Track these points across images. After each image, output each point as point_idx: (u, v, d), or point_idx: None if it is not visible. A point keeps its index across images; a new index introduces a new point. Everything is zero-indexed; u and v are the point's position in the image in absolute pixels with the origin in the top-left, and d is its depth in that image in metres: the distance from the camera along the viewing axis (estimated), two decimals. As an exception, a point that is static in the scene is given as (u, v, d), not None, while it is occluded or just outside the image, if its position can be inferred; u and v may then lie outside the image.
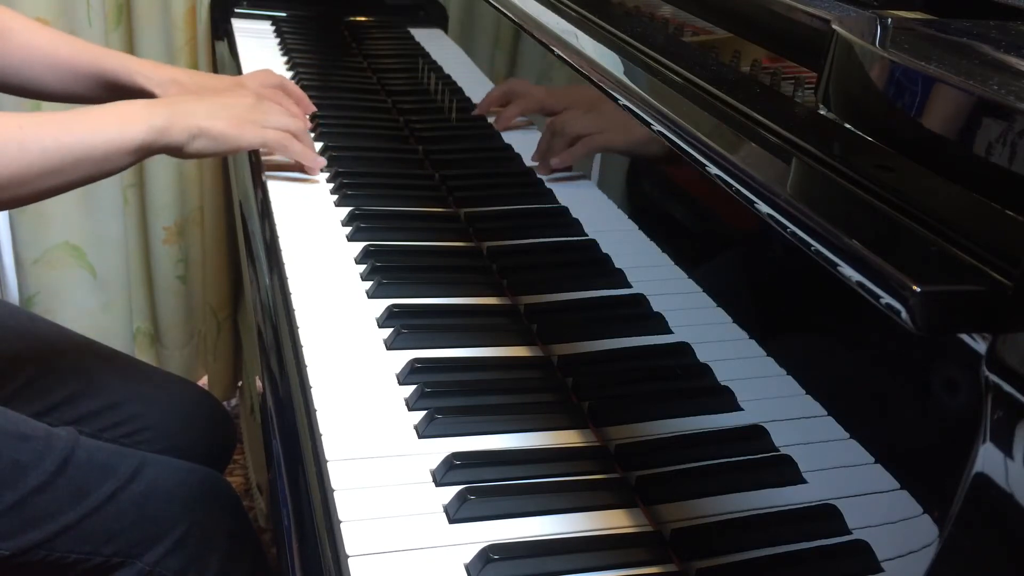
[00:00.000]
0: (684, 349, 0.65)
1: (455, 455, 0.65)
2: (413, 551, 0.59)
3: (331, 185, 1.05)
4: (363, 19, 1.62)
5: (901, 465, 0.46)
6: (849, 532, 0.49)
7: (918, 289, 0.39)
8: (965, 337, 0.41)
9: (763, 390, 0.57)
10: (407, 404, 0.72)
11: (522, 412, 0.72)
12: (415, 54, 1.36)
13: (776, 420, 0.56)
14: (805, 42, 0.63)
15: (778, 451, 0.55)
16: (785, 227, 0.49)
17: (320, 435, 0.67)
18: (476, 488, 0.63)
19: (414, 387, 0.73)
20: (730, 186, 0.54)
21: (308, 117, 1.16)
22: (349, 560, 0.57)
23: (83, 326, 1.46)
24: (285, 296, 0.85)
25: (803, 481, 0.54)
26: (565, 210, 0.84)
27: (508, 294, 0.88)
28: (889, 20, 0.57)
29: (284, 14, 1.62)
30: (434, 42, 1.34)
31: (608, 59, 0.76)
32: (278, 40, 1.51)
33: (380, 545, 0.59)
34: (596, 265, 0.78)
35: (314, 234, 0.95)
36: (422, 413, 0.70)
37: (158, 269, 1.76)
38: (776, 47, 0.69)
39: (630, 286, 0.73)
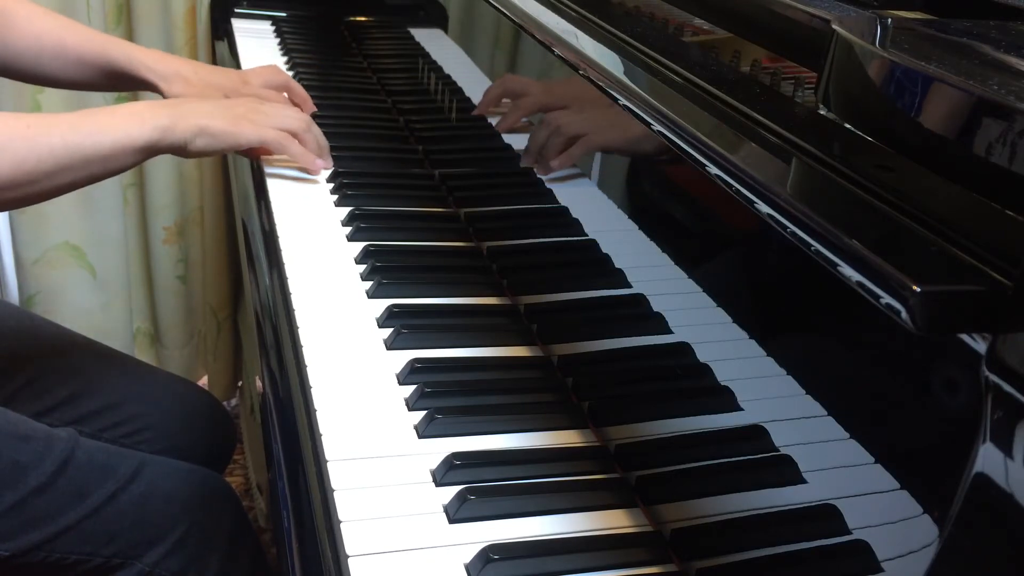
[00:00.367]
0: (684, 349, 0.65)
1: (455, 455, 0.65)
2: (413, 551, 0.59)
3: (331, 185, 1.05)
4: (363, 19, 1.62)
5: (901, 465, 0.46)
6: (849, 532, 0.49)
7: (918, 289, 0.39)
8: (965, 337, 0.41)
9: (763, 390, 0.57)
10: (407, 404, 0.72)
11: (522, 412, 0.72)
12: (415, 54, 1.36)
13: (776, 420, 0.56)
14: (805, 42, 0.63)
15: (778, 451, 0.55)
16: (785, 227, 0.49)
17: (320, 435, 0.67)
18: (476, 488, 0.63)
19: (414, 387, 0.73)
20: (730, 186, 0.54)
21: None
22: (349, 560, 0.57)
23: (83, 326, 1.46)
24: (285, 296, 0.85)
25: (803, 481, 0.54)
26: (565, 210, 0.84)
27: (508, 294, 0.88)
28: (889, 20, 0.57)
29: (284, 14, 1.62)
30: (434, 42, 1.34)
31: (608, 59, 0.76)
32: (278, 40, 1.51)
33: (380, 545, 0.59)
34: (596, 265, 0.78)
35: (314, 234, 0.95)
36: (422, 413, 0.70)
37: (158, 269, 1.76)
38: (776, 47, 0.69)
39: (630, 286, 0.73)
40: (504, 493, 0.63)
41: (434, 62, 1.27)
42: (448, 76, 1.20)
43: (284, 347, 0.80)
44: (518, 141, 0.95)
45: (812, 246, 0.46)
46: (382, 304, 0.83)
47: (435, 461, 0.66)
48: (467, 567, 0.58)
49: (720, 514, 0.60)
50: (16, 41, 1.06)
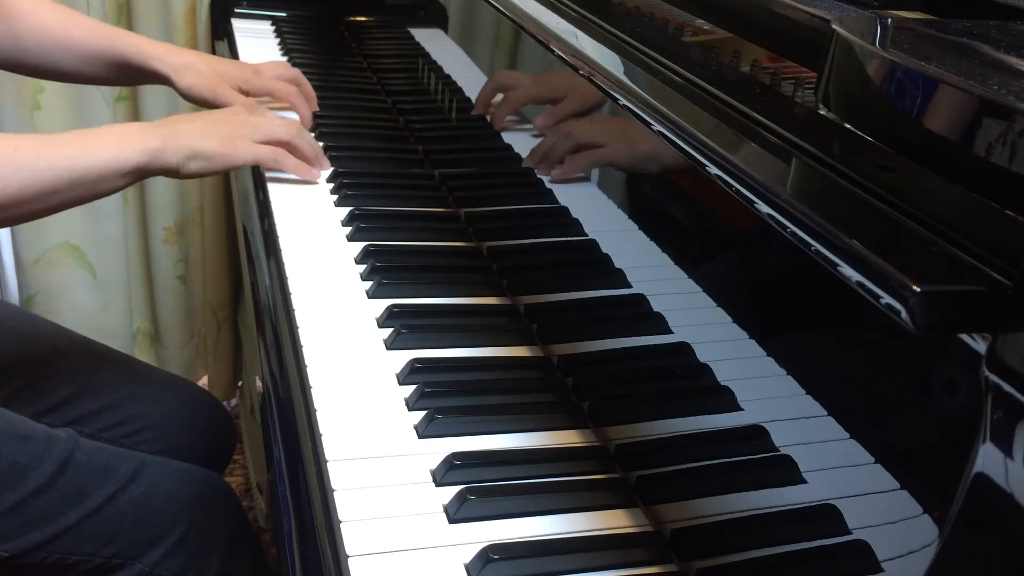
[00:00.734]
0: (684, 349, 0.65)
1: (455, 455, 0.65)
2: (413, 551, 0.59)
3: (331, 185, 1.05)
4: (363, 19, 1.62)
5: (901, 465, 0.46)
6: (849, 532, 0.49)
7: (918, 289, 0.39)
8: (965, 337, 0.41)
9: (763, 390, 0.57)
10: (407, 404, 0.72)
11: (522, 412, 0.72)
12: (415, 54, 1.36)
13: (776, 420, 0.56)
14: (805, 42, 0.63)
15: (778, 451, 0.55)
16: (785, 227, 0.49)
17: (320, 435, 0.67)
18: (476, 488, 0.63)
19: (414, 387, 0.73)
20: (730, 186, 0.54)
21: (311, 115, 1.17)
22: (349, 560, 0.57)
23: (83, 326, 1.46)
24: (285, 296, 0.85)
25: (803, 481, 0.54)
26: (565, 210, 0.84)
27: (508, 294, 0.88)
28: (889, 20, 0.57)
29: (284, 14, 1.62)
30: (434, 42, 1.34)
31: (608, 59, 0.76)
32: (278, 40, 1.51)
33: (380, 545, 0.59)
34: (596, 265, 0.78)
35: (314, 234, 0.95)
36: (422, 413, 0.70)
37: (158, 269, 1.76)
38: (776, 47, 0.69)
39: (630, 286, 0.73)
40: (504, 493, 0.63)
41: (434, 62, 1.27)
42: (448, 76, 1.20)
43: (284, 347, 0.80)
44: (518, 141, 0.95)
45: (812, 246, 0.46)
46: (382, 304, 0.83)
47: (435, 461, 0.66)
48: (467, 567, 0.58)
49: (720, 514, 0.60)
50: (23, 33, 1.06)
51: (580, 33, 0.82)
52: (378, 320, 0.82)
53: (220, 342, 1.83)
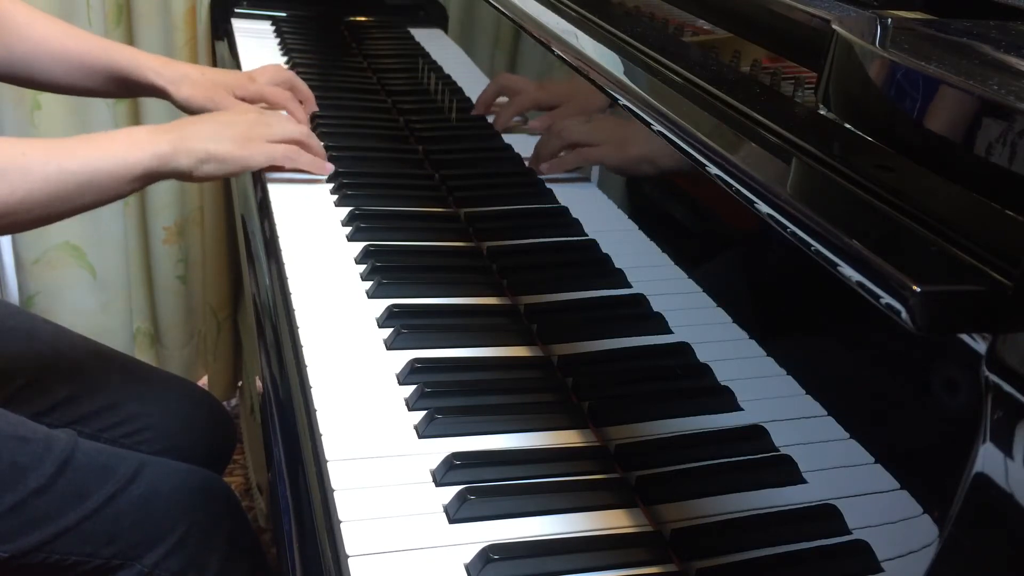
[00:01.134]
0: (684, 349, 0.65)
1: (455, 455, 0.65)
2: (413, 551, 0.59)
3: (331, 185, 1.05)
4: (363, 19, 1.62)
5: (901, 465, 0.46)
6: (849, 532, 0.49)
7: (918, 289, 0.39)
8: (965, 337, 0.41)
9: (763, 390, 0.57)
10: (407, 404, 0.72)
11: (522, 412, 0.72)
12: (415, 54, 1.36)
13: (776, 420, 0.56)
14: (805, 42, 0.63)
15: (778, 451, 0.55)
16: (785, 227, 0.49)
17: (320, 435, 0.67)
18: (476, 488, 0.63)
19: (414, 387, 0.73)
20: (730, 186, 0.54)
21: (308, 117, 1.17)
22: (349, 560, 0.57)
23: (83, 326, 1.46)
24: (285, 296, 0.85)
25: (803, 481, 0.54)
26: (565, 210, 0.84)
27: (508, 294, 0.88)
28: (889, 20, 0.57)
29: (284, 14, 1.62)
30: (434, 42, 1.34)
31: (608, 59, 0.76)
32: (278, 40, 1.51)
33: (380, 545, 0.59)
34: (596, 265, 0.78)
35: (314, 234, 0.95)
36: (422, 413, 0.70)
37: (158, 269, 1.76)
38: (776, 47, 0.69)
39: (630, 286, 0.73)
40: (504, 493, 0.63)
41: (434, 62, 1.27)
42: (448, 76, 1.20)
43: (284, 347, 0.80)
44: (518, 141, 0.95)
45: (812, 246, 0.46)
46: (382, 304, 0.83)
47: (435, 461, 0.66)
48: (467, 567, 0.58)
49: (720, 514, 0.60)
50: (16, 45, 1.05)
51: (580, 33, 0.82)
52: (378, 320, 0.82)
53: (220, 342, 1.83)
